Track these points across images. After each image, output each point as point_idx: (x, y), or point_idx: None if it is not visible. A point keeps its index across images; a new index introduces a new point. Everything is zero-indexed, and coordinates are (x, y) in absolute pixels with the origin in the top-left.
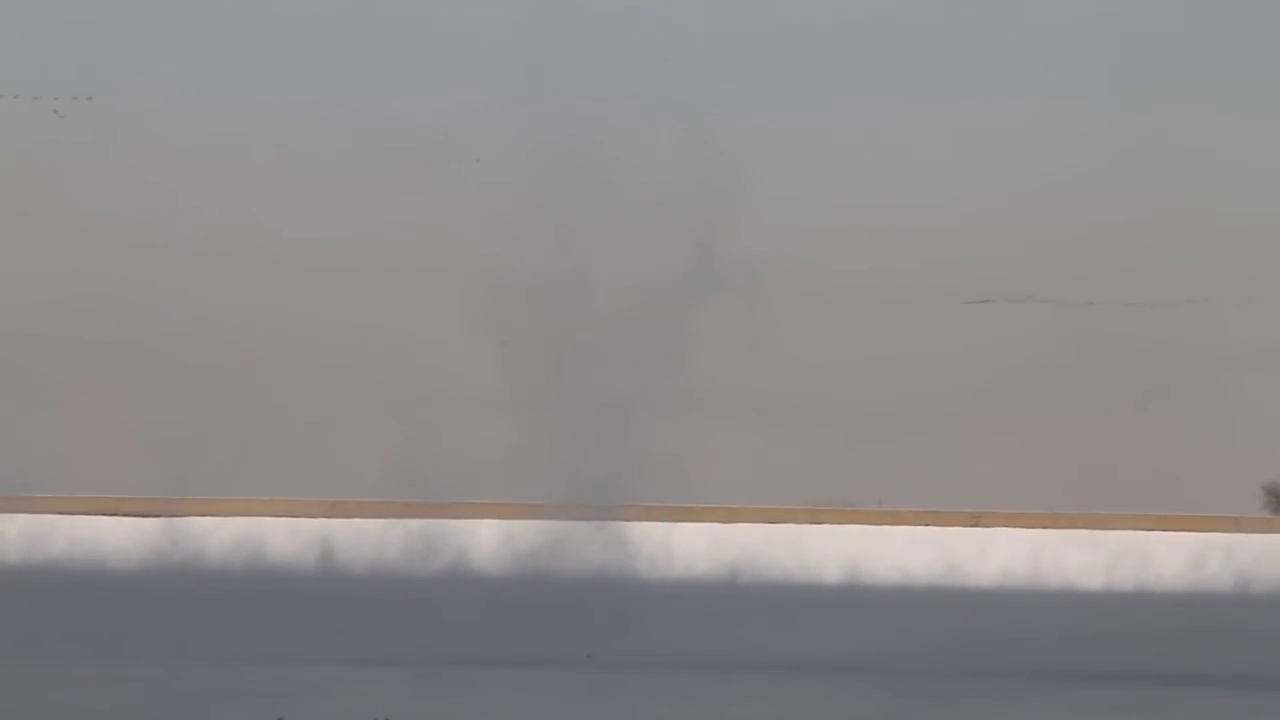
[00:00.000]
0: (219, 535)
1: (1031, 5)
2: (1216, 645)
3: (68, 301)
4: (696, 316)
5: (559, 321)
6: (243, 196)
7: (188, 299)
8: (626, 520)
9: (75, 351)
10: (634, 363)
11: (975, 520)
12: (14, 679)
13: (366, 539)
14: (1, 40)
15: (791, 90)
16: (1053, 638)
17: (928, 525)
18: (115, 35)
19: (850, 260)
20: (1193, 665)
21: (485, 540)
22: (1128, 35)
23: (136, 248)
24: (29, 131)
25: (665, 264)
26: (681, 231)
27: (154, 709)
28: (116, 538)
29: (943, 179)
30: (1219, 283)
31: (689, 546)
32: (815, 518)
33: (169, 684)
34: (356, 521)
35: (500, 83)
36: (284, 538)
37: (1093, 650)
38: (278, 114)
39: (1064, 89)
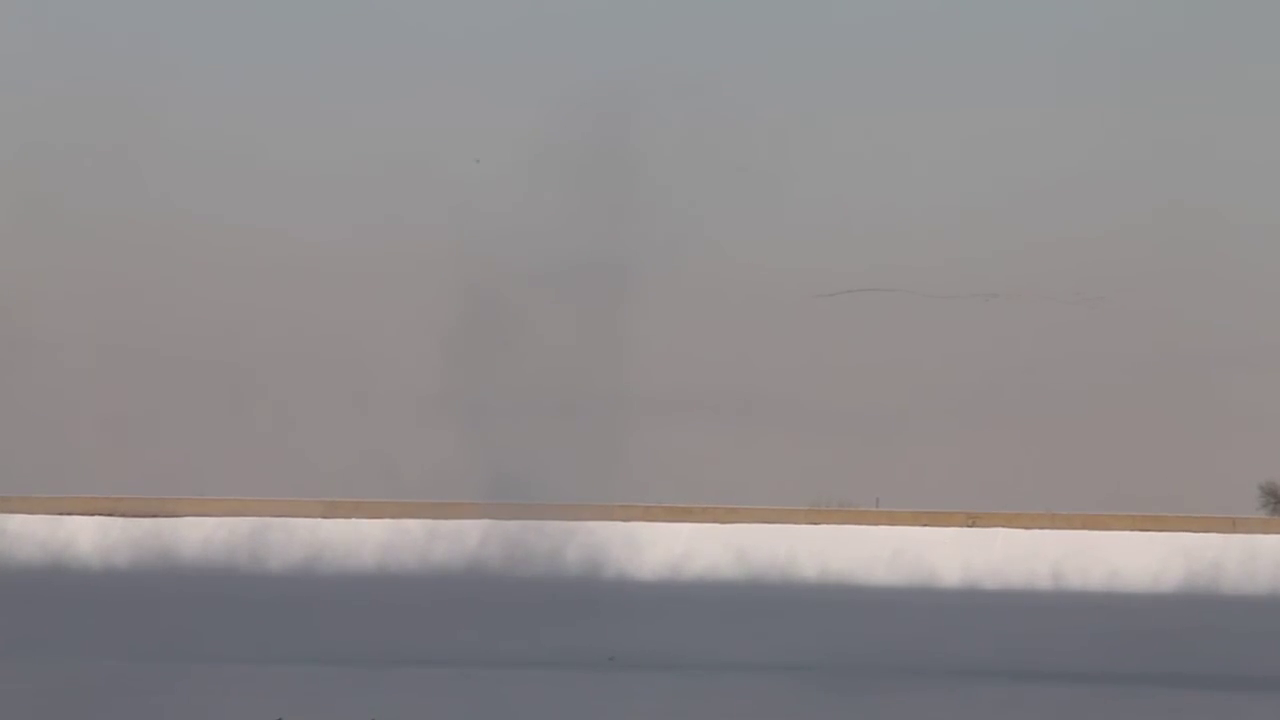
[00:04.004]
0: (216, 535)
1: (1032, 7)
2: (1213, 645)
3: (68, 301)
4: (694, 316)
5: (551, 321)
6: (243, 197)
7: (187, 299)
8: (624, 520)
9: (75, 351)
10: (629, 362)
11: (973, 520)
12: (16, 679)
13: (366, 540)
14: (6, 41)
15: (792, 89)
16: (1050, 638)
17: (925, 525)
18: (118, 36)
19: (849, 261)
20: (1190, 665)
21: (482, 540)
22: (1129, 37)
23: (137, 249)
24: (30, 132)
25: (662, 264)
26: (680, 232)
27: (153, 708)
28: (112, 538)
29: (944, 180)
30: (1218, 283)
31: (687, 546)
32: (813, 518)
33: (168, 683)
34: (355, 522)
35: (498, 82)
36: (281, 538)
37: (1091, 650)
38: (278, 115)
39: (1066, 91)
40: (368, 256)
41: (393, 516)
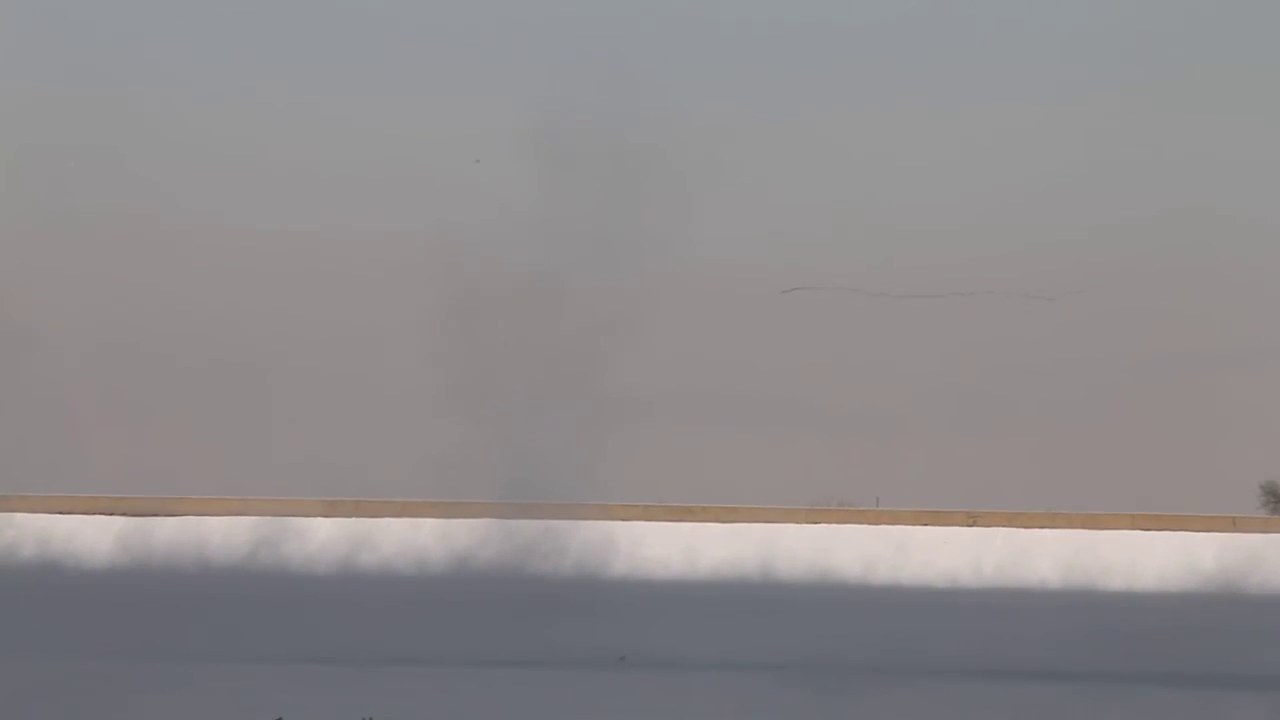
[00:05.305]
0: (216, 535)
1: (1032, 7)
2: (1214, 645)
3: (68, 301)
4: (695, 316)
5: (550, 321)
6: (243, 197)
7: (188, 299)
8: (624, 520)
9: (75, 351)
10: (629, 362)
11: (973, 520)
12: (16, 678)
13: (366, 539)
14: (5, 41)
15: (791, 89)
16: (1050, 638)
17: (925, 525)
18: (118, 36)
19: (848, 262)
20: (1190, 665)
21: (483, 539)
22: (1130, 37)
23: (138, 248)
24: (30, 132)
25: (664, 264)
26: (682, 232)
27: (152, 708)
28: (112, 537)
29: (943, 179)
30: (1218, 283)
31: (687, 546)
32: (813, 518)
33: (168, 683)
34: (355, 521)
35: (498, 82)
36: (281, 537)
37: (1091, 649)
38: (278, 115)
39: (1067, 91)
40: (368, 256)
41: (393, 516)
